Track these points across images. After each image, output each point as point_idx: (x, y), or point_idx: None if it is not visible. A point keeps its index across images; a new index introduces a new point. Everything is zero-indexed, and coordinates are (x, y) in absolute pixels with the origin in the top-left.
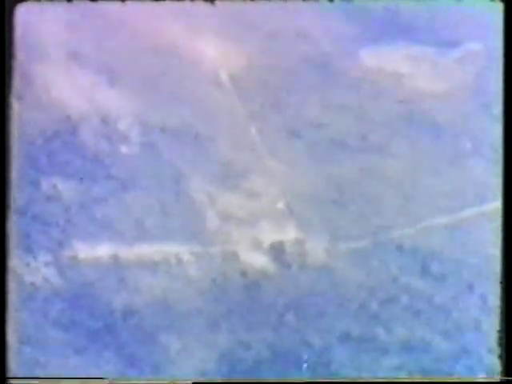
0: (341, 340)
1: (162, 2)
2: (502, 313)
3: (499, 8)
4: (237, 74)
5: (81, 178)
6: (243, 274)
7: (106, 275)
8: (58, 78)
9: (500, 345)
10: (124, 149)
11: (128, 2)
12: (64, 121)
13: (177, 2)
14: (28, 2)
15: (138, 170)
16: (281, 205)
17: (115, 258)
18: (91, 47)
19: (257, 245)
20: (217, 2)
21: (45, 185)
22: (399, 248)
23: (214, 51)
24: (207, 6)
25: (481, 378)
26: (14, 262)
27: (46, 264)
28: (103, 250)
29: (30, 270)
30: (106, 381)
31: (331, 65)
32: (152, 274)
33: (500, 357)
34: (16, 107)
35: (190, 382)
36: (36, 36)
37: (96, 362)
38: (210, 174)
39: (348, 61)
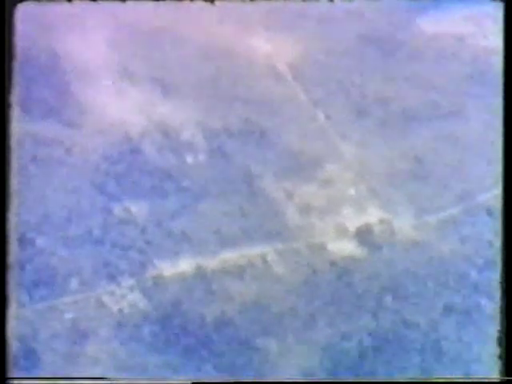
0: (445, 315)
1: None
2: (502, 313)
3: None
4: (295, 64)
5: (151, 197)
6: (333, 263)
7: (192, 289)
8: (111, 99)
9: (500, 345)
10: (190, 159)
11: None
12: (125, 141)
13: (203, 3)
14: (28, 2)
15: (208, 177)
16: (360, 188)
17: (200, 270)
18: (140, 61)
19: (342, 232)
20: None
21: (117, 209)
22: (489, 212)
23: (267, 45)
24: (252, 4)
25: (481, 378)
26: (99, 292)
27: (131, 288)
28: (186, 264)
29: (115, 298)
30: (106, 381)
31: (390, 39)
32: (239, 280)
33: (500, 357)
34: (75, 135)
35: (190, 381)
36: (82, 59)
37: (196, 377)
38: (283, 169)
39: (406, 32)
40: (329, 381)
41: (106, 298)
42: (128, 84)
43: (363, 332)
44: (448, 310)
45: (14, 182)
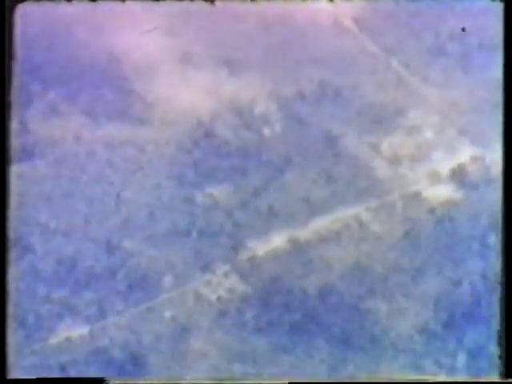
0: None
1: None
2: (501, 313)
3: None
4: (359, 16)
5: (232, 178)
6: (431, 211)
7: (289, 263)
8: (176, 87)
9: (500, 345)
10: (267, 132)
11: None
12: (198, 127)
13: None
14: (28, 2)
15: (287, 147)
16: (448, 129)
17: (293, 243)
18: (198, 43)
19: (435, 177)
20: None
21: (200, 197)
22: None
23: (327, 2)
24: None
25: (481, 378)
26: (194, 284)
27: (227, 275)
28: (279, 239)
29: (212, 287)
30: (106, 381)
31: None
32: (336, 246)
33: (500, 357)
34: (146, 132)
35: (190, 382)
36: (138, 52)
37: (309, 354)
38: (364, 124)
39: None
40: (329, 381)
41: (202, 290)
42: (190, 68)
43: (474, 275)
44: None
45: (92, 191)
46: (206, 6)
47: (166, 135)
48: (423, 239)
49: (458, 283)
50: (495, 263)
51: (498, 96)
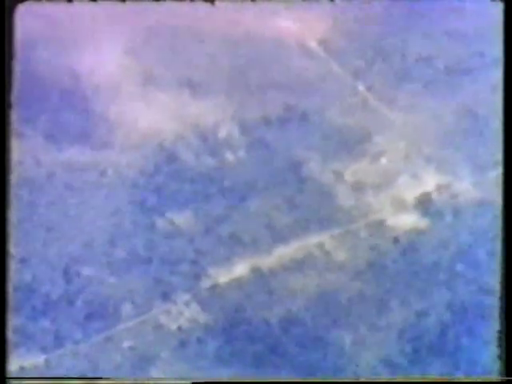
0: None
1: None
2: (501, 313)
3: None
4: (325, 38)
5: (194, 204)
6: (396, 240)
7: (252, 292)
8: (139, 109)
9: (500, 345)
10: (230, 157)
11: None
12: (160, 151)
13: None
14: (28, 2)
15: (251, 173)
16: (413, 155)
17: (256, 271)
18: (162, 64)
19: (401, 205)
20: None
21: (161, 223)
22: None
23: (294, 23)
24: None
25: (481, 378)
26: (154, 313)
27: (187, 304)
28: (242, 268)
29: (172, 316)
30: (106, 381)
31: None
32: (299, 274)
33: (500, 357)
34: (108, 155)
35: (189, 382)
36: (101, 72)
37: None
38: (329, 150)
39: None
40: (328, 381)
41: (163, 319)
42: (153, 90)
43: (440, 306)
44: None
45: (51, 214)
46: (169, 25)
47: (127, 159)
48: (388, 268)
49: (423, 314)
50: (462, 293)
51: (465, 122)
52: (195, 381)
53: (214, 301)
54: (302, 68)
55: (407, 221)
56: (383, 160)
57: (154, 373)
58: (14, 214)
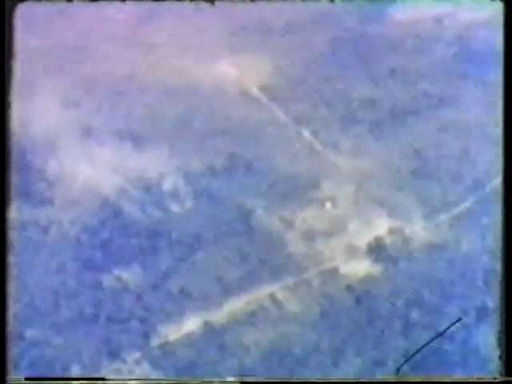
0: (479, 318)
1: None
2: (501, 313)
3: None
4: (267, 84)
5: (141, 259)
6: (349, 288)
7: (204, 349)
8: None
9: (500, 345)
10: (176, 208)
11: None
12: (103, 206)
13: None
14: (28, 2)
15: (198, 224)
16: (363, 199)
17: (208, 327)
18: (102, 116)
19: (353, 252)
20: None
21: (107, 280)
22: None
23: (234, 69)
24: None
25: (481, 378)
26: (103, 373)
27: (138, 362)
28: (192, 324)
29: (122, 376)
30: (106, 381)
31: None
32: (252, 328)
33: (500, 357)
34: (49, 212)
35: (189, 382)
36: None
37: None
38: (277, 198)
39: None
40: (329, 381)
41: (112, 377)
42: (93, 143)
43: (397, 355)
44: (482, 312)
45: None
46: (108, 75)
47: (69, 215)
48: (342, 317)
49: (380, 363)
50: (418, 341)
51: (413, 163)
52: (196, 381)
53: (164, 358)
54: (244, 115)
55: (360, 267)
56: (332, 206)
57: None
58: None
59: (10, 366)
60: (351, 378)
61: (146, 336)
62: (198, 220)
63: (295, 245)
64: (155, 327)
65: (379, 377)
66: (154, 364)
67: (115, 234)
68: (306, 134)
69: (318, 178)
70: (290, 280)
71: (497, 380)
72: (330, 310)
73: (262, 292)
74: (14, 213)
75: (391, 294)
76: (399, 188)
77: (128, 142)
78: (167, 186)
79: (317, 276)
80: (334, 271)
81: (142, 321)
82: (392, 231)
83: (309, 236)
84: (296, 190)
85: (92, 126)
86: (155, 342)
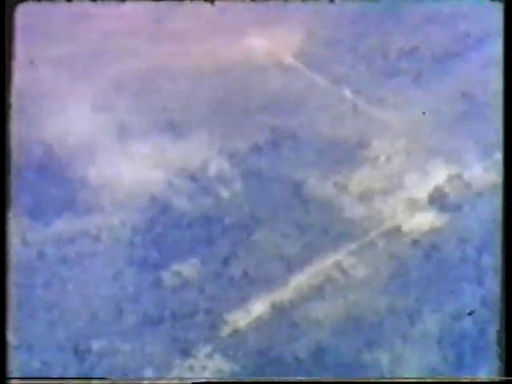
0: None
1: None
2: (501, 313)
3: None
4: (301, 50)
5: (198, 250)
6: (415, 244)
7: (275, 330)
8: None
9: (500, 345)
10: (226, 193)
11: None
12: (151, 203)
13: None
14: (28, 2)
15: (251, 205)
16: (417, 151)
17: (276, 307)
18: (139, 110)
19: (414, 206)
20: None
21: (167, 277)
22: None
23: (268, 43)
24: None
25: (481, 378)
26: (177, 372)
27: (210, 356)
28: (260, 306)
29: (196, 372)
30: (106, 381)
31: None
32: (322, 301)
33: (500, 357)
34: (97, 220)
35: (189, 382)
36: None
37: None
38: (328, 163)
39: None
40: (329, 381)
41: (187, 376)
42: (132, 141)
43: (474, 303)
44: None
45: (49, 293)
46: (137, 70)
47: (118, 218)
48: (412, 275)
49: (458, 318)
50: (495, 286)
51: (460, 107)
52: (195, 381)
53: (237, 348)
54: (282, 86)
55: (424, 221)
56: (386, 163)
57: None
58: (10, 300)
59: (10, 366)
60: (351, 378)
61: (215, 327)
62: (249, 200)
63: (353, 208)
64: (222, 317)
65: (379, 377)
66: (227, 354)
67: (167, 229)
68: (348, 94)
69: (367, 136)
70: (353, 246)
71: (497, 380)
72: (399, 269)
73: (327, 262)
74: (62, 226)
75: (460, 242)
76: (451, 133)
77: (167, 133)
78: (213, 171)
79: (380, 237)
80: (397, 229)
81: (208, 312)
82: (451, 178)
83: (366, 197)
84: (346, 152)
85: (128, 124)
86: (225, 332)
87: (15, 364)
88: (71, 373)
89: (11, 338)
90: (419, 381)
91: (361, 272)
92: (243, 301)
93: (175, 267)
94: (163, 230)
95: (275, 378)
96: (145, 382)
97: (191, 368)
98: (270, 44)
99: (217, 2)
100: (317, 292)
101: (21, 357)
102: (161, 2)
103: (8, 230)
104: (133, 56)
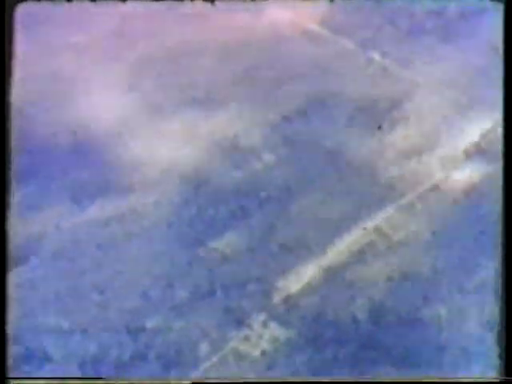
0: None
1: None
2: (501, 313)
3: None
4: (326, 17)
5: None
6: (456, 201)
7: (326, 291)
8: (152, 140)
9: (500, 345)
10: (260, 164)
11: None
12: (187, 175)
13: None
14: (28, 2)
15: (287, 174)
16: (450, 108)
17: (326, 269)
18: (169, 84)
19: (451, 163)
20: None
21: (213, 252)
22: None
23: (289, 12)
24: None
25: (481, 377)
26: (232, 345)
27: (264, 324)
28: (310, 270)
29: (252, 342)
30: (106, 381)
31: None
32: (366, 266)
33: (500, 357)
34: (135, 200)
35: (189, 382)
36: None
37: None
38: (361, 126)
39: None
40: (329, 381)
41: (243, 348)
42: (163, 120)
43: None
44: None
45: (97, 277)
46: (162, 48)
47: (153, 198)
48: (456, 234)
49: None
50: None
51: (490, 60)
52: (195, 381)
53: (291, 313)
54: (309, 54)
55: (462, 178)
56: (419, 122)
57: None
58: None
59: (10, 366)
60: (351, 378)
61: (266, 295)
62: (284, 171)
63: (389, 170)
64: (273, 284)
65: (379, 377)
66: (282, 321)
67: (203, 205)
68: (377, 57)
69: (398, 97)
70: (392, 208)
71: (497, 380)
72: (441, 229)
73: (366, 228)
74: (97, 210)
75: (499, 197)
76: (485, 86)
77: (196, 109)
78: (246, 144)
79: (418, 198)
80: (436, 188)
81: (258, 281)
82: (487, 132)
83: (401, 158)
84: (378, 115)
85: (156, 103)
86: (277, 299)
87: (72, 347)
88: (127, 353)
89: (65, 323)
90: (419, 381)
91: (401, 235)
92: (292, 267)
93: (219, 240)
94: (199, 207)
95: (276, 378)
96: (145, 381)
97: (247, 338)
98: (293, 14)
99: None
100: (360, 257)
101: (76, 340)
102: None
103: (7, 229)
104: (155, 36)
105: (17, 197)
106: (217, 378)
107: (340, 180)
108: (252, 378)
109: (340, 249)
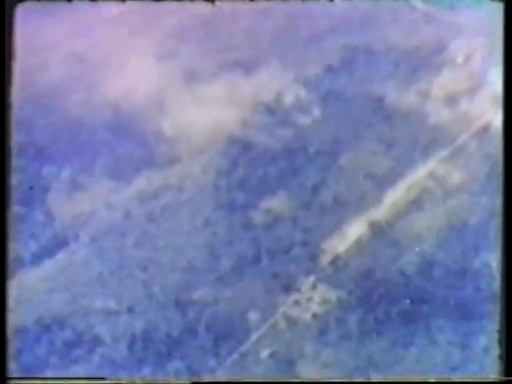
0: None
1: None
2: (501, 313)
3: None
4: None
5: (286, 183)
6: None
7: (378, 250)
8: (191, 104)
9: (500, 345)
10: (305, 120)
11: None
12: (229, 138)
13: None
14: (28, 2)
15: (333, 128)
16: (496, 48)
17: (375, 226)
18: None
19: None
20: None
21: (257, 216)
22: None
23: None
24: None
25: (481, 377)
26: (283, 310)
27: (313, 287)
28: (357, 228)
29: (302, 306)
30: (106, 381)
31: None
32: (422, 213)
33: (500, 357)
34: (178, 170)
35: (189, 382)
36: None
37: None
38: (406, 73)
39: None
40: (329, 381)
41: (293, 313)
42: (200, 85)
43: None
44: None
45: (141, 252)
46: (199, 16)
47: (199, 165)
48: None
49: None
50: None
51: None
52: (195, 381)
53: (340, 274)
54: (347, 5)
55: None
56: (466, 62)
57: (303, 373)
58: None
59: (10, 366)
60: (351, 378)
61: (314, 258)
62: (330, 124)
63: (439, 114)
64: (320, 246)
65: (379, 377)
66: (331, 283)
67: (251, 167)
68: (419, 4)
69: (442, 40)
70: (444, 152)
71: (497, 380)
72: (495, 171)
73: (420, 173)
74: (143, 182)
75: None
76: None
77: (236, 71)
78: (289, 100)
79: (471, 139)
80: (487, 128)
81: (304, 244)
82: None
83: (450, 100)
84: (423, 59)
85: (195, 68)
86: (325, 260)
87: (119, 329)
88: (177, 329)
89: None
90: (419, 381)
91: (456, 178)
92: (339, 226)
93: (264, 204)
94: (246, 169)
95: (277, 378)
96: (145, 382)
97: (297, 303)
98: None
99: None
100: (414, 205)
101: (123, 320)
102: None
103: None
104: (183, 11)
105: (64, 177)
106: (217, 378)
107: (390, 129)
108: (252, 378)
109: (392, 200)
